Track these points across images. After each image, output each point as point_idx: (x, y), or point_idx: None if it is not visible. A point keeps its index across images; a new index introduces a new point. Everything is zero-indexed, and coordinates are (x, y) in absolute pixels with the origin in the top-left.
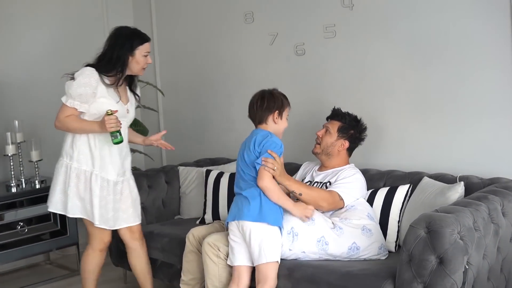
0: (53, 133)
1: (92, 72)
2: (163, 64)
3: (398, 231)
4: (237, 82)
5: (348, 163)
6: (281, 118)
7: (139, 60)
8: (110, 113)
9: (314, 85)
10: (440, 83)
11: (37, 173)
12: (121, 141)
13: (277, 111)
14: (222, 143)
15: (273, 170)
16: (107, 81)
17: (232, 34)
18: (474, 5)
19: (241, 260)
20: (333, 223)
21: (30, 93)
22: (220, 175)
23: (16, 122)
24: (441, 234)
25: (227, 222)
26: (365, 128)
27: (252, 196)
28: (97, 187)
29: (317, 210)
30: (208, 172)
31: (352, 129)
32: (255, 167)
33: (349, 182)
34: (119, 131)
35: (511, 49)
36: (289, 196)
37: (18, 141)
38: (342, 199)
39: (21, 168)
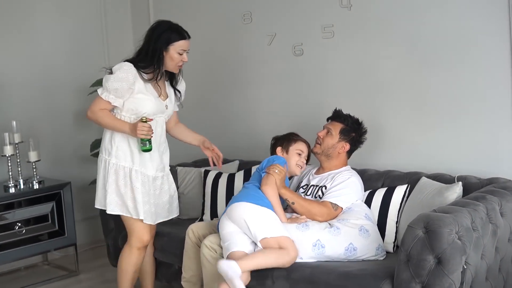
0: (51, 133)
1: (130, 67)
2: None
3: (396, 232)
4: (235, 82)
5: (346, 165)
6: (287, 153)
7: (173, 56)
8: (144, 120)
9: (312, 86)
10: (438, 83)
11: (35, 173)
12: (149, 150)
13: (279, 147)
14: (220, 144)
15: (276, 172)
16: (145, 76)
17: (231, 35)
18: (473, 5)
19: (240, 245)
20: (329, 223)
21: (28, 94)
22: (218, 175)
23: (14, 122)
24: (439, 234)
25: (218, 225)
26: (365, 131)
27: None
28: (138, 183)
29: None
30: (206, 173)
31: (353, 132)
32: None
33: (343, 188)
34: (149, 140)
35: (510, 49)
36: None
37: (16, 142)
38: (338, 207)
39: (19, 169)
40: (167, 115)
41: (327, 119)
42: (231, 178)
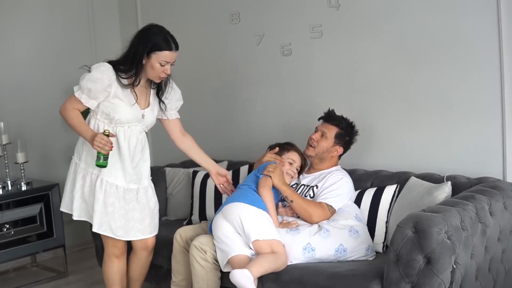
0: (39, 135)
1: (107, 69)
2: None
3: (385, 232)
4: (223, 83)
5: (336, 165)
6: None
7: (154, 65)
8: (106, 133)
9: (301, 86)
10: (427, 83)
11: (23, 175)
12: (102, 166)
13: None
14: (208, 144)
15: (270, 171)
16: (123, 81)
17: (219, 35)
18: (461, 4)
19: (240, 249)
20: (319, 225)
21: (16, 95)
22: (207, 176)
23: (2, 124)
24: (429, 234)
25: (211, 226)
26: (356, 133)
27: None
28: (100, 193)
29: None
30: (194, 173)
31: (348, 136)
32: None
33: (337, 189)
34: (104, 155)
35: (499, 49)
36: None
37: (4, 143)
38: (333, 208)
39: (7, 170)
40: (146, 125)
41: (319, 119)
42: None
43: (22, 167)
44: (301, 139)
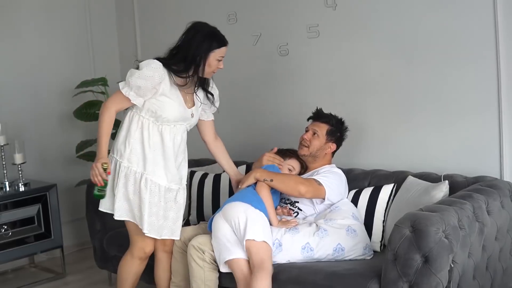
0: (36, 135)
1: (158, 67)
2: None
3: (383, 231)
4: (220, 83)
5: (330, 163)
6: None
7: (211, 63)
8: (104, 167)
9: (298, 85)
10: (424, 82)
11: (20, 176)
12: (98, 197)
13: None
14: (204, 144)
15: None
16: (177, 80)
17: None
18: (458, 3)
19: (238, 252)
20: (317, 225)
21: (13, 95)
22: (204, 176)
23: None
24: (426, 233)
25: (210, 224)
26: (346, 129)
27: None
28: (146, 192)
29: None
30: (192, 173)
31: (338, 132)
32: None
33: (328, 175)
34: (97, 187)
35: (495, 48)
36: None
37: (1, 144)
38: (320, 184)
39: (5, 171)
40: (190, 124)
41: (308, 119)
42: (217, 178)
43: (19, 168)
44: (298, 138)
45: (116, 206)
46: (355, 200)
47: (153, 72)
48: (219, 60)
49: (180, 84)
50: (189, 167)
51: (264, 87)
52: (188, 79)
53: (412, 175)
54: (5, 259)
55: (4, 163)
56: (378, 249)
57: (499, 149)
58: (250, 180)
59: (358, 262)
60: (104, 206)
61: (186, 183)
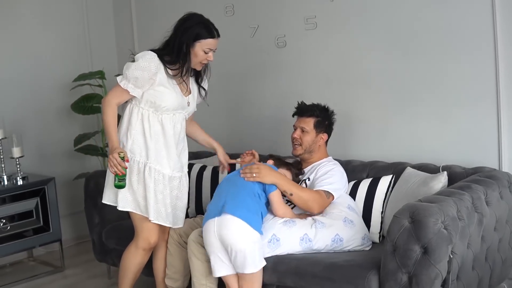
0: (34, 129)
1: (153, 57)
2: None
3: (381, 222)
4: (217, 76)
5: (327, 155)
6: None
7: (198, 53)
8: (121, 156)
9: (295, 77)
10: (422, 73)
11: (18, 169)
12: (120, 187)
13: (272, 160)
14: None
15: (253, 175)
16: (170, 72)
17: None
18: None
19: (225, 269)
20: (313, 218)
21: (11, 90)
22: (203, 168)
23: None
24: (425, 224)
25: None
26: (332, 114)
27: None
28: (151, 181)
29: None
30: (191, 166)
31: (326, 120)
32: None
33: (330, 176)
34: (118, 177)
35: (493, 38)
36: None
37: None
38: (330, 194)
39: (3, 165)
40: (188, 112)
41: (293, 115)
42: (215, 171)
43: (17, 162)
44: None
45: (120, 197)
46: (353, 192)
47: (149, 62)
48: (206, 52)
49: (173, 74)
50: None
51: (261, 79)
52: (180, 68)
53: (410, 166)
54: (4, 253)
55: (2, 157)
56: (377, 240)
57: (498, 139)
58: (267, 180)
59: (357, 253)
60: (107, 198)
61: (187, 170)
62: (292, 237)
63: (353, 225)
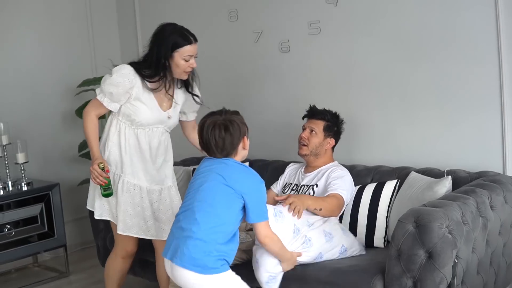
0: (39, 135)
1: (129, 72)
2: None
3: (386, 227)
4: (222, 81)
5: (332, 160)
6: (247, 140)
7: (179, 63)
8: (101, 166)
9: (300, 82)
10: (426, 78)
11: (23, 175)
12: (107, 196)
13: (245, 136)
14: None
15: (298, 208)
16: (149, 85)
17: (217, 32)
18: None
19: None
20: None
21: (16, 95)
22: None
23: (1, 124)
24: (430, 229)
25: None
26: (342, 121)
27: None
28: (123, 194)
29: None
30: (194, 171)
31: (335, 126)
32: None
33: (345, 181)
34: (102, 186)
35: (497, 43)
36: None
37: (4, 144)
38: (341, 198)
39: (7, 171)
40: (169, 126)
41: (303, 117)
42: None
43: (22, 168)
44: (300, 134)
45: (96, 205)
46: (358, 196)
47: (123, 77)
48: (187, 60)
49: (153, 88)
50: (191, 165)
51: (265, 84)
52: (161, 81)
53: (415, 171)
54: (9, 258)
55: (6, 162)
56: (381, 245)
57: (502, 144)
58: (305, 205)
59: (361, 258)
60: (90, 205)
61: (172, 183)
62: (282, 231)
63: (349, 233)
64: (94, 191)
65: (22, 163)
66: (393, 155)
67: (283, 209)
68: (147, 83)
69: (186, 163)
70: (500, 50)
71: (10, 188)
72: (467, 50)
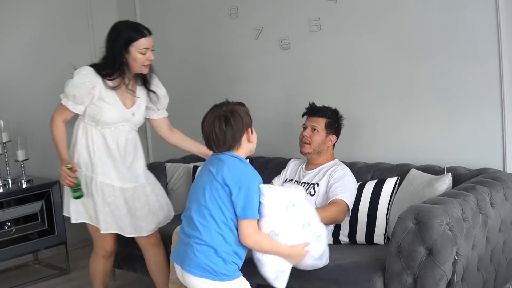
0: (39, 132)
1: (88, 73)
2: None
3: (386, 224)
4: (222, 78)
5: (333, 157)
6: (252, 132)
7: (135, 57)
8: (69, 166)
9: (300, 79)
10: (427, 75)
11: (23, 172)
12: (77, 197)
13: (249, 128)
14: None
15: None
16: (109, 83)
17: (217, 29)
18: None
19: None
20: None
21: (16, 92)
22: None
23: (1, 121)
24: (430, 225)
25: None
26: (342, 118)
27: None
28: (98, 194)
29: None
30: (195, 168)
31: (336, 122)
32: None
33: (346, 182)
34: (72, 188)
35: (497, 41)
36: None
37: (4, 141)
38: (346, 203)
39: (8, 168)
40: (135, 124)
41: (303, 115)
42: None
43: (22, 165)
44: (299, 132)
45: (72, 209)
46: (358, 193)
47: (83, 78)
48: (144, 53)
49: (113, 86)
50: (191, 162)
51: (266, 81)
52: (120, 78)
53: (415, 168)
54: (9, 255)
55: (7, 160)
56: (381, 242)
57: (502, 141)
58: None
59: (362, 255)
60: (66, 211)
61: (145, 181)
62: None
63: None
64: (68, 197)
65: (22, 161)
66: (394, 152)
67: (297, 201)
68: (107, 81)
69: (186, 160)
70: (500, 48)
71: (10, 186)
72: (467, 48)
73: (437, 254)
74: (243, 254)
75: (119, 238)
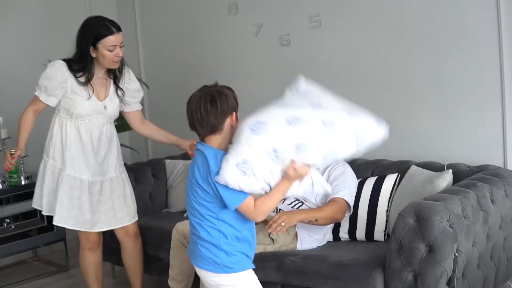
0: (38, 128)
1: (60, 66)
2: (148, 57)
3: (387, 220)
4: (222, 74)
5: None
6: (237, 119)
7: (104, 54)
8: (12, 152)
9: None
10: (427, 71)
11: (22, 169)
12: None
13: (234, 112)
14: None
15: (282, 225)
16: (81, 79)
17: (217, 26)
18: None
19: None
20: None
21: (15, 88)
22: None
23: (0, 118)
24: (430, 222)
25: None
26: None
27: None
28: (63, 186)
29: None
30: (186, 166)
31: None
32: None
33: (345, 179)
34: (8, 172)
35: (498, 36)
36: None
37: (3, 137)
38: (345, 201)
39: None
40: (109, 116)
41: None
42: None
43: (21, 161)
44: None
45: (44, 202)
46: (359, 190)
47: (55, 71)
48: (112, 50)
49: (82, 82)
50: (190, 158)
51: (266, 77)
52: (86, 74)
53: (415, 165)
54: (8, 252)
55: None
56: (382, 239)
57: (503, 137)
58: (294, 221)
59: (362, 251)
60: (36, 203)
61: (117, 174)
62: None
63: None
64: (40, 190)
65: (21, 157)
66: (394, 148)
67: (278, 148)
68: (78, 78)
69: (185, 157)
70: (501, 44)
71: (9, 182)
72: (468, 44)
73: (437, 251)
74: (249, 239)
75: (112, 234)
